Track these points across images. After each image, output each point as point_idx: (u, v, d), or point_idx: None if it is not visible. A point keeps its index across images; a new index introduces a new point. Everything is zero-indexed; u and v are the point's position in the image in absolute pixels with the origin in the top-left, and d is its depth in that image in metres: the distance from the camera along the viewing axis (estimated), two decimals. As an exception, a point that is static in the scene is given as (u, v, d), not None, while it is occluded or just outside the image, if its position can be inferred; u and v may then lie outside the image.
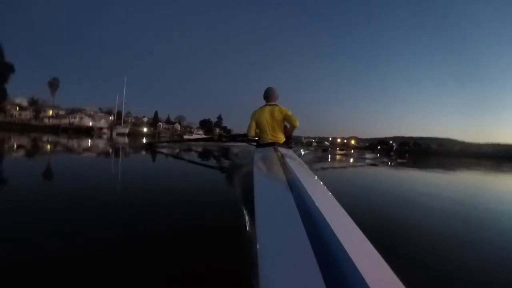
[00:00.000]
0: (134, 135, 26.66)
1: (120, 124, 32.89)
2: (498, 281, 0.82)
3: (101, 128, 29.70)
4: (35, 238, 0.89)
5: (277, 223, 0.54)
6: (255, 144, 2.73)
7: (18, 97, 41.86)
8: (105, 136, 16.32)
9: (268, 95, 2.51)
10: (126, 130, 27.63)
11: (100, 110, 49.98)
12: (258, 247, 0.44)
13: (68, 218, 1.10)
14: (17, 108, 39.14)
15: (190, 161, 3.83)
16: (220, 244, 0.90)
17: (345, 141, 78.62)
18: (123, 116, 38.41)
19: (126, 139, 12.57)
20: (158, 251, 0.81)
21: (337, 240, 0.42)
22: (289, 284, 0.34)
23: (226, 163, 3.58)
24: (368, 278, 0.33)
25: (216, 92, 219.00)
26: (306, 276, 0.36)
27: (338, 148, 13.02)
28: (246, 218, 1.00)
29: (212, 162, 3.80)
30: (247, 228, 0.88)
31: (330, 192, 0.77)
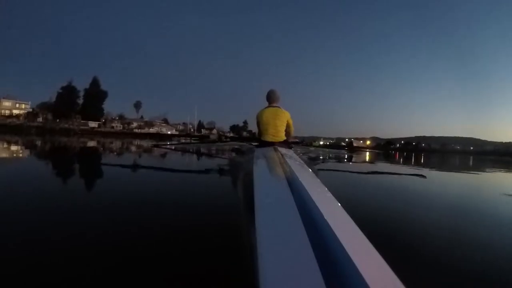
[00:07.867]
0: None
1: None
2: (498, 281, 0.82)
3: (179, 135, 43.30)
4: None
5: (277, 223, 0.54)
6: (255, 144, 2.79)
7: (111, 114, 57.05)
8: (182, 140, 22.50)
9: (270, 97, 2.62)
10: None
11: (170, 122, 67.59)
12: (258, 247, 0.44)
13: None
14: (111, 121, 53.54)
15: (189, 161, 3.82)
16: (219, 244, 0.89)
17: (361, 142, 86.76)
18: (195, 128, 60.49)
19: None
20: (157, 250, 0.81)
21: (337, 240, 0.42)
22: (289, 284, 0.35)
23: (226, 162, 3.49)
24: (368, 278, 0.33)
25: (242, 98, 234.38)
26: (306, 276, 0.36)
27: (353, 148, 15.13)
28: (246, 218, 0.93)
29: (212, 161, 3.72)
30: (247, 228, 0.81)
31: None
